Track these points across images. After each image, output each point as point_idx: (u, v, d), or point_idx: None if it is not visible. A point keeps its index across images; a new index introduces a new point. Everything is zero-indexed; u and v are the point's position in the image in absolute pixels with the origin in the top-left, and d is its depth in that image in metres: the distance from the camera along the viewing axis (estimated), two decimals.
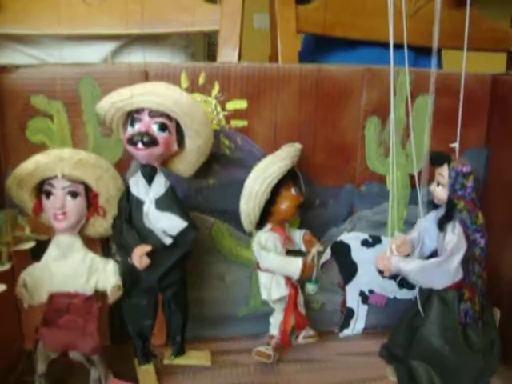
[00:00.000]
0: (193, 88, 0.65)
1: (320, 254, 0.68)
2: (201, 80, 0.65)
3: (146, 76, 0.64)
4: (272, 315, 0.70)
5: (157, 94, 0.54)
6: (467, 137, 0.73)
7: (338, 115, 0.69)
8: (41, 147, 0.63)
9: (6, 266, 0.55)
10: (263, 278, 0.66)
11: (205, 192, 0.68)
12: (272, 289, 0.66)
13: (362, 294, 0.75)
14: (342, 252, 0.73)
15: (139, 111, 0.55)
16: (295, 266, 0.63)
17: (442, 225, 0.59)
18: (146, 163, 0.57)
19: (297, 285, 0.67)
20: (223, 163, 0.67)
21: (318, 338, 0.71)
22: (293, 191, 0.64)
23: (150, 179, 0.58)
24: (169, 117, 0.56)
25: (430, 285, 0.60)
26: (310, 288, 0.70)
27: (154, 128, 0.55)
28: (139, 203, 0.58)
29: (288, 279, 0.66)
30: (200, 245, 0.69)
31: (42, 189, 0.58)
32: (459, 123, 0.56)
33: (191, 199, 0.68)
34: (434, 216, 0.62)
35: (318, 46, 0.92)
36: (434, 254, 0.61)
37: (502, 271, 0.69)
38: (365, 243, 0.73)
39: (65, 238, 0.59)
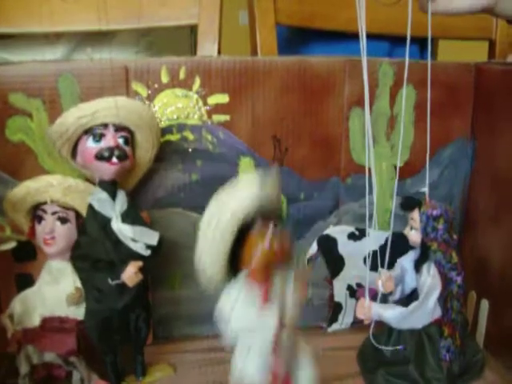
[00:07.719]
0: (173, 83, 0.64)
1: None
2: (181, 75, 0.64)
3: (126, 72, 0.63)
4: None
5: (120, 108, 0.54)
6: (453, 127, 0.73)
7: (321, 107, 0.68)
8: (21, 146, 0.63)
9: None
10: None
11: (188, 188, 0.67)
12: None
13: (349, 287, 0.74)
14: (328, 246, 0.72)
15: (104, 126, 0.55)
16: None
17: (417, 266, 0.61)
18: (110, 179, 0.56)
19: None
20: (206, 158, 0.67)
21: None
22: None
23: (113, 194, 0.57)
24: (129, 130, 0.56)
25: (410, 326, 0.60)
26: None
27: (120, 142, 0.55)
28: (104, 219, 0.56)
29: None
30: (184, 242, 0.68)
31: (35, 213, 0.59)
32: (428, 135, 0.56)
33: (174, 195, 0.67)
34: (412, 255, 0.63)
35: (292, 40, 0.91)
36: (414, 293, 0.62)
37: (490, 262, 0.69)
38: (351, 236, 0.72)
39: (56, 263, 0.60)
